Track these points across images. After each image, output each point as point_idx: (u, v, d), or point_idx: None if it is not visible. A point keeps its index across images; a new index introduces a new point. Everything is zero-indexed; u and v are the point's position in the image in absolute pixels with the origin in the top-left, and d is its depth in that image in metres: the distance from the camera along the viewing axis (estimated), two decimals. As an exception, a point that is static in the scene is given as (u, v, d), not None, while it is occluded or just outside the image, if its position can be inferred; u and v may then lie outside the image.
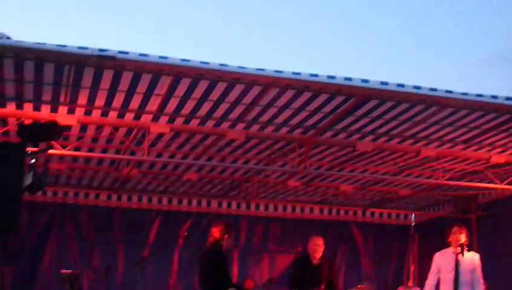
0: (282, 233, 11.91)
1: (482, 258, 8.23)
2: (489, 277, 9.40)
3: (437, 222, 11.56)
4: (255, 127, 7.68)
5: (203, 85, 6.39)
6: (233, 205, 11.83)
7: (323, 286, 8.45)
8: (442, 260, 8.04)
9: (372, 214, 12.56)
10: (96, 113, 7.22)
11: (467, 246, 7.85)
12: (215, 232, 7.95)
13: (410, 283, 11.62)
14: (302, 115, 7.24)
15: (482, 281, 7.91)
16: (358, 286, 9.23)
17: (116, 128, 7.74)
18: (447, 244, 8.22)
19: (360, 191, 11.04)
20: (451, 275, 7.81)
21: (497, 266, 10.03)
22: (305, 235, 11.76)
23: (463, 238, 7.92)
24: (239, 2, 42.21)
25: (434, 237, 8.98)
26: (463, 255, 7.75)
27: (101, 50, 5.48)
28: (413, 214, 12.72)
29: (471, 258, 7.93)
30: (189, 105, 6.95)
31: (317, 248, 8.75)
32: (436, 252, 8.24)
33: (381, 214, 12.60)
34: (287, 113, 7.19)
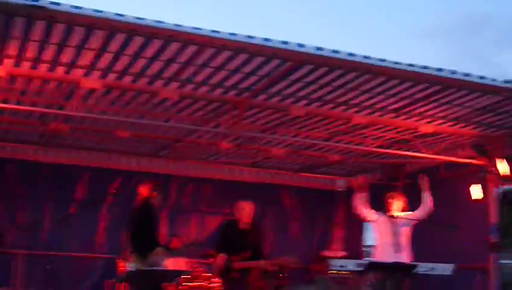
0: (212, 194, 11.91)
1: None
2: (412, 243, 9.71)
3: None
4: (189, 87, 7.62)
5: (137, 41, 6.29)
6: (164, 164, 11.74)
7: (249, 252, 8.50)
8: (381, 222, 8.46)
9: (303, 178, 12.67)
10: (26, 66, 7.02)
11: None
12: (144, 190, 7.92)
13: (335, 247, 11.87)
14: (237, 76, 7.22)
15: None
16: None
17: (46, 82, 7.56)
18: (374, 209, 8.60)
19: (292, 155, 11.11)
20: (389, 239, 8.24)
21: (420, 232, 10.30)
22: (236, 197, 11.84)
23: (397, 203, 8.35)
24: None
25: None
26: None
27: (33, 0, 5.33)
28: (343, 180, 12.90)
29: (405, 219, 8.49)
30: (123, 61, 6.83)
31: (242, 212, 8.76)
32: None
33: (312, 179, 12.71)
34: (221, 74, 7.16)
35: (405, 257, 8.39)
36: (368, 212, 8.76)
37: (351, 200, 9.08)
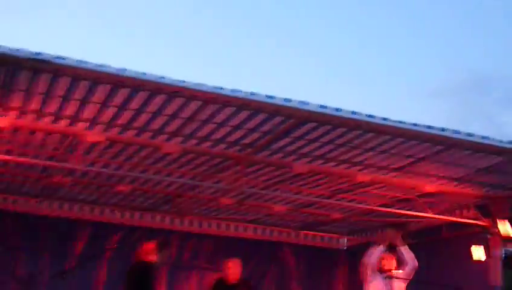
0: (213, 251, 11.81)
1: (410, 285, 8.53)
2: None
3: (367, 248, 11.65)
4: (192, 142, 7.62)
5: (141, 96, 6.32)
6: (167, 219, 11.68)
7: None
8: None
9: (305, 236, 12.59)
10: (29, 118, 7.04)
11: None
12: (147, 248, 7.88)
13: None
14: (240, 132, 7.22)
15: None
16: None
17: (49, 134, 7.57)
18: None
19: (293, 213, 11.05)
20: None
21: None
22: (236, 254, 11.77)
23: (390, 264, 8.25)
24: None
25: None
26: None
27: (37, 54, 5.36)
28: (345, 238, 12.81)
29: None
30: (126, 116, 6.84)
31: (229, 270, 8.81)
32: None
33: (313, 237, 12.64)
34: (224, 130, 7.16)
35: None
36: (371, 272, 8.68)
37: (352, 258, 8.99)
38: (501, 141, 7.22)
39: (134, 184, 9.80)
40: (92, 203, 11.09)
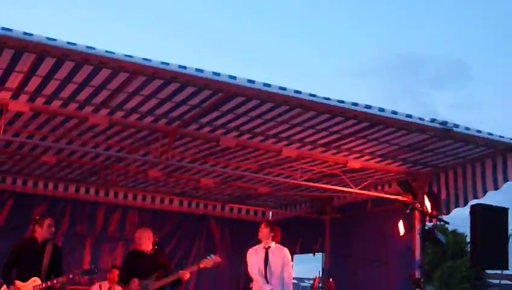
0: (139, 223, 11.77)
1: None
2: (336, 275, 9.80)
3: (293, 221, 11.84)
4: (119, 114, 7.55)
5: (68, 66, 6.21)
6: (92, 191, 11.57)
7: (159, 272, 8.54)
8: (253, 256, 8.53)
9: (231, 209, 12.68)
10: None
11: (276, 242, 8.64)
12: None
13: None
14: (168, 105, 7.19)
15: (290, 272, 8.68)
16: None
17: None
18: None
19: (221, 186, 11.11)
20: (262, 268, 8.30)
21: (344, 265, 10.43)
22: (163, 226, 11.79)
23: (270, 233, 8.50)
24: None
25: (289, 235, 9.19)
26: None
27: None
28: (270, 212, 12.95)
29: (281, 252, 8.64)
30: (52, 85, 6.71)
31: (137, 240, 8.83)
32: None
33: (239, 210, 12.74)
34: (152, 102, 7.12)
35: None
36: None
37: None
38: (423, 119, 7.41)
39: (59, 155, 9.64)
40: (15, 174, 10.86)
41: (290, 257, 8.81)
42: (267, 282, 8.49)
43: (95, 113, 7.50)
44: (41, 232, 8.19)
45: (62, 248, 9.05)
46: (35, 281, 7.96)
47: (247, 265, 8.85)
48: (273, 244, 8.70)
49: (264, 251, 8.68)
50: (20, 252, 8.13)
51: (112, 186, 11.18)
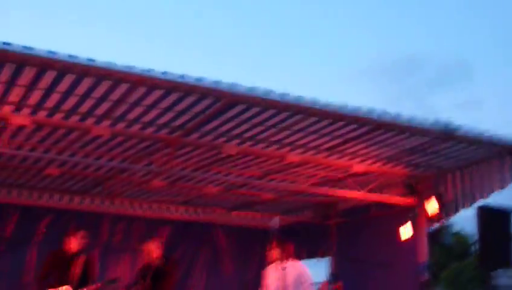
0: (145, 232, 11.75)
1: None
2: (343, 280, 9.78)
3: (298, 227, 11.81)
4: (121, 125, 7.56)
5: (69, 79, 6.22)
6: (97, 201, 11.56)
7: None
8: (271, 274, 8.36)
9: (237, 216, 12.65)
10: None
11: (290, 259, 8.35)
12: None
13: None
14: (170, 115, 7.21)
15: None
16: None
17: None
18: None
19: (225, 194, 11.09)
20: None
21: (351, 269, 10.41)
22: (169, 234, 11.77)
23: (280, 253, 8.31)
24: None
25: (294, 241, 9.17)
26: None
27: None
28: (277, 218, 12.88)
29: (296, 271, 8.34)
30: (54, 98, 6.73)
31: (145, 253, 9.18)
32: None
33: (245, 217, 12.69)
34: (154, 112, 7.13)
35: None
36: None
37: (285, 237, 9.03)
38: (426, 122, 7.40)
39: (63, 167, 9.65)
40: (20, 187, 10.86)
41: (307, 274, 8.49)
42: None
43: (97, 124, 7.52)
44: (74, 244, 8.81)
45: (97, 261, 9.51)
46: (67, 289, 8.46)
47: (265, 279, 8.67)
48: (288, 263, 8.32)
49: (280, 271, 8.24)
50: (53, 262, 8.75)
51: (117, 197, 11.17)
